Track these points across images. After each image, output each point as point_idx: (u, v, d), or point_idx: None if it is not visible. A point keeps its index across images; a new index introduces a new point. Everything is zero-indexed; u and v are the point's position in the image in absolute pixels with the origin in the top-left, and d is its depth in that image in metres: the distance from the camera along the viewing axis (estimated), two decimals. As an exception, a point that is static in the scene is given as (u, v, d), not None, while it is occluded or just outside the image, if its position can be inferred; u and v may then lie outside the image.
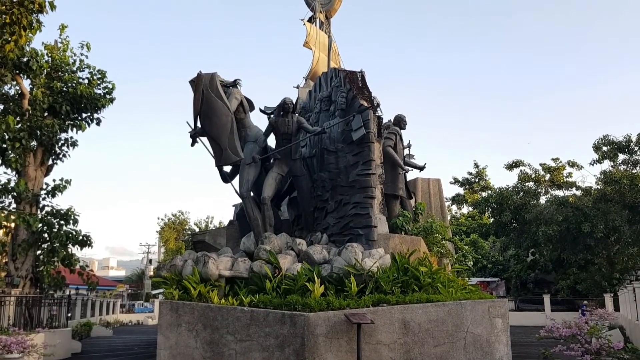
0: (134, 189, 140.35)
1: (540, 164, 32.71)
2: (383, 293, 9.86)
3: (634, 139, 28.05)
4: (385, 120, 13.65)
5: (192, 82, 12.45)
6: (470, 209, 44.25)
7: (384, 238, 11.56)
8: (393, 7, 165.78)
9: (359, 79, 12.98)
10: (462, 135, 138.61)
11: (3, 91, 16.92)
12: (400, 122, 14.50)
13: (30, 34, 13.56)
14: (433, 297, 9.98)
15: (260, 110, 13.88)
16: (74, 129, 17.77)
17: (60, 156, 17.97)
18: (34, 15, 13.11)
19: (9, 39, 12.76)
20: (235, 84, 12.85)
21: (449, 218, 22.69)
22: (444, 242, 13.96)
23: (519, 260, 37.69)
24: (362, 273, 10.11)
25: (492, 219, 34.20)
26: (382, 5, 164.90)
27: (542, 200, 31.84)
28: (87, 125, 17.97)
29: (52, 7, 13.28)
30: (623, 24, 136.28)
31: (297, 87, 21.62)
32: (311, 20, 24.25)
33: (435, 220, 14.27)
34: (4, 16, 12.53)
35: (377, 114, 12.49)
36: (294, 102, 13.17)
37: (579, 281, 31.43)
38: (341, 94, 12.82)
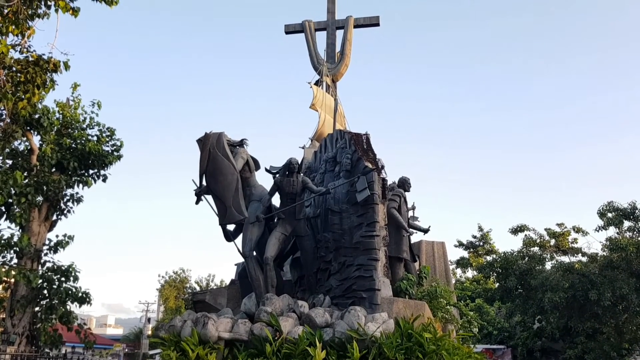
0: (133, 245, 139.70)
1: (545, 229, 32.47)
2: (386, 360, 9.61)
3: (639, 205, 27.93)
4: (389, 182, 13.71)
5: (199, 141, 12.62)
6: (475, 272, 43.66)
7: (388, 302, 11.35)
8: (397, 68, 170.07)
9: (364, 141, 13.14)
10: (466, 197, 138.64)
11: (13, 147, 17.17)
12: (404, 184, 14.57)
13: (43, 92, 13.88)
14: (438, 365, 9.71)
15: (266, 169, 13.98)
16: (80, 185, 17.90)
17: (65, 212, 18.02)
18: (48, 74, 13.44)
19: (23, 96, 13.04)
20: (242, 143, 13.02)
21: (453, 282, 22.34)
22: (448, 307, 13.68)
23: (525, 328, 36.79)
24: (365, 338, 9.88)
25: (497, 283, 33.65)
26: (387, 68, 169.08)
27: (548, 265, 31.43)
28: (93, 182, 18.10)
29: (67, 67, 13.63)
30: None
31: (303, 147, 21.81)
32: (318, 83, 24.78)
33: (440, 285, 14.05)
34: (19, 75, 12.85)
35: (381, 176, 12.56)
36: (300, 162, 13.29)
37: (587, 351, 30.54)
38: (346, 156, 12.94)
